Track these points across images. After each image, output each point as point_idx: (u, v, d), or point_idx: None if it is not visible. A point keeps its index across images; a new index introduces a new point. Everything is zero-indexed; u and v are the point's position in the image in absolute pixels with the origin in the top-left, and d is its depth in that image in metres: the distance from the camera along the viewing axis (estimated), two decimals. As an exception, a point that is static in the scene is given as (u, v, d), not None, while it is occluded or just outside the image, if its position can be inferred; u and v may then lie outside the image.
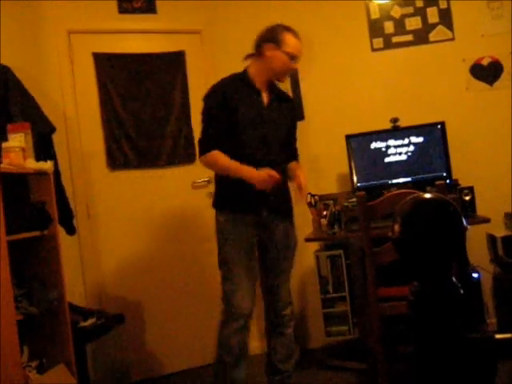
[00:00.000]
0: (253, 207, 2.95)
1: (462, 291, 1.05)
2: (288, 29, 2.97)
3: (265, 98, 3.02)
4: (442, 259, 1.08)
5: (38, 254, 2.95)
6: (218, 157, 2.90)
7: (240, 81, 3.02)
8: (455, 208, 1.11)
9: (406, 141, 3.85)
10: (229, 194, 2.99)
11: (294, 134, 3.26)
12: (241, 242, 2.95)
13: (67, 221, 3.37)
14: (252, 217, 2.96)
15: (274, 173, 2.78)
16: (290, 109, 3.19)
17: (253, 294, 2.98)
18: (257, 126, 2.96)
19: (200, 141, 3.00)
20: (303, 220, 4.02)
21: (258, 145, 2.95)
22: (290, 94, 4.21)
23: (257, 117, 2.97)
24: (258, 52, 3.00)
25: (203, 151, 2.95)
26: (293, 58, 2.96)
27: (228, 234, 2.96)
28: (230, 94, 2.94)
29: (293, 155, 3.24)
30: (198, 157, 3.03)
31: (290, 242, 3.11)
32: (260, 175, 2.79)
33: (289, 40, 2.94)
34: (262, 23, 4.16)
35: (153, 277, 3.94)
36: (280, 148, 3.04)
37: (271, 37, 2.95)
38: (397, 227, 1.13)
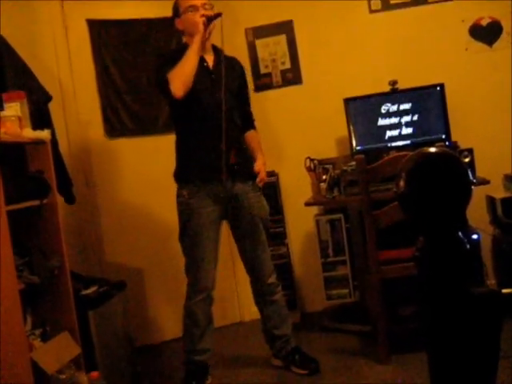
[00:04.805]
0: (216, 176, 2.94)
1: (467, 247, 1.05)
2: None
3: (209, 61, 3.05)
4: (447, 213, 1.08)
5: (38, 223, 2.94)
6: (174, 68, 2.87)
7: (183, 51, 3.01)
8: (461, 161, 1.11)
9: (405, 103, 3.82)
10: (190, 165, 2.99)
11: (246, 98, 3.25)
12: (207, 215, 2.96)
13: (66, 189, 3.35)
14: (217, 188, 2.96)
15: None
16: (239, 72, 3.19)
17: (215, 267, 3.04)
18: (207, 88, 2.97)
19: (159, 85, 2.99)
20: (303, 184, 4.02)
21: (212, 107, 2.94)
22: (288, 58, 4.18)
23: (205, 79, 2.98)
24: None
25: (165, 85, 2.89)
26: (193, 8, 2.95)
27: (193, 207, 2.96)
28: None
29: (248, 122, 3.24)
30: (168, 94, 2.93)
31: (260, 211, 3.11)
32: (197, 23, 2.87)
33: (183, 2, 2.98)
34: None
35: (153, 243, 3.95)
36: (233, 110, 3.04)
37: (175, 12, 3.04)
38: (402, 183, 1.12)
